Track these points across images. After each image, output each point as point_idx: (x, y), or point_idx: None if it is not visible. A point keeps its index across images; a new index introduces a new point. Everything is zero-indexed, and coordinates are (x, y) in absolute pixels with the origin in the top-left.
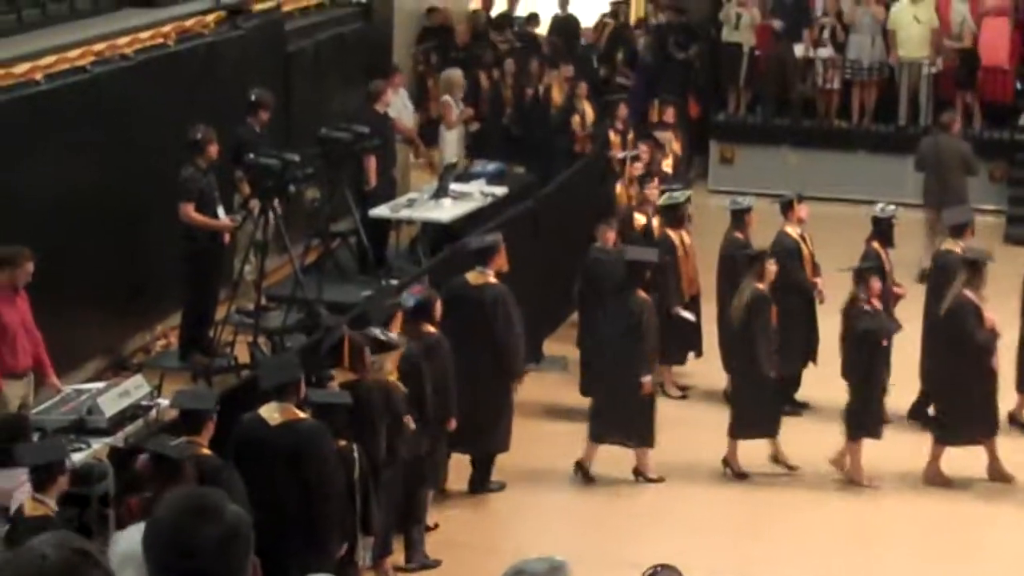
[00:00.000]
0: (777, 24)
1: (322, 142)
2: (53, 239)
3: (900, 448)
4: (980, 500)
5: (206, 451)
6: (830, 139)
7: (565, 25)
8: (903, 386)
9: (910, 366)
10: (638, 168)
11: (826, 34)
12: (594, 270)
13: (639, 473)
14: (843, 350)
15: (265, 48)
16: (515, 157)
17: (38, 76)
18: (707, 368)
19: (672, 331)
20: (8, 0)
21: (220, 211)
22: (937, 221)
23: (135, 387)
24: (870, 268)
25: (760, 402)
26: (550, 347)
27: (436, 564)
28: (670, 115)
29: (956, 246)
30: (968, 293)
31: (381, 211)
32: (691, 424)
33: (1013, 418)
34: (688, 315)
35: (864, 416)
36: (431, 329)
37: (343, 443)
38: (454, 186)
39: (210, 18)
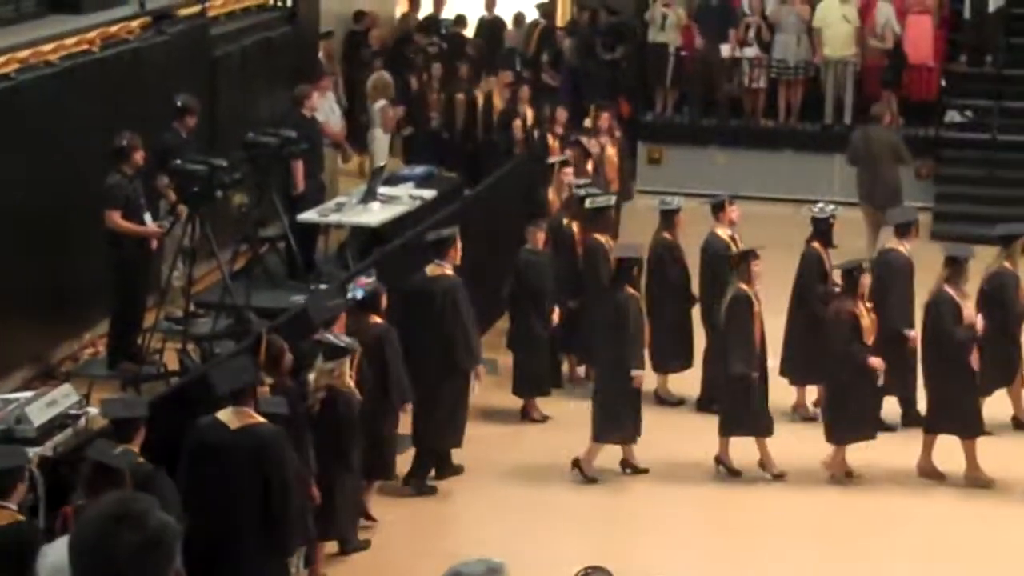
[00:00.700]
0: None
1: (249, 147)
2: None
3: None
4: (989, 498)
5: (138, 459)
6: (757, 138)
7: (492, 28)
8: None
9: None
10: (568, 173)
11: (751, 34)
12: (525, 272)
13: (627, 464)
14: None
15: (191, 53)
16: (446, 161)
17: None
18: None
19: None
20: None
21: (147, 218)
22: (873, 214)
23: (63, 396)
24: (860, 268)
25: (743, 401)
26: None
27: (366, 546)
28: (605, 120)
29: (901, 245)
30: (948, 289)
31: (309, 216)
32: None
33: None
34: None
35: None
36: (377, 320)
37: None
38: (382, 190)
39: (135, 24)
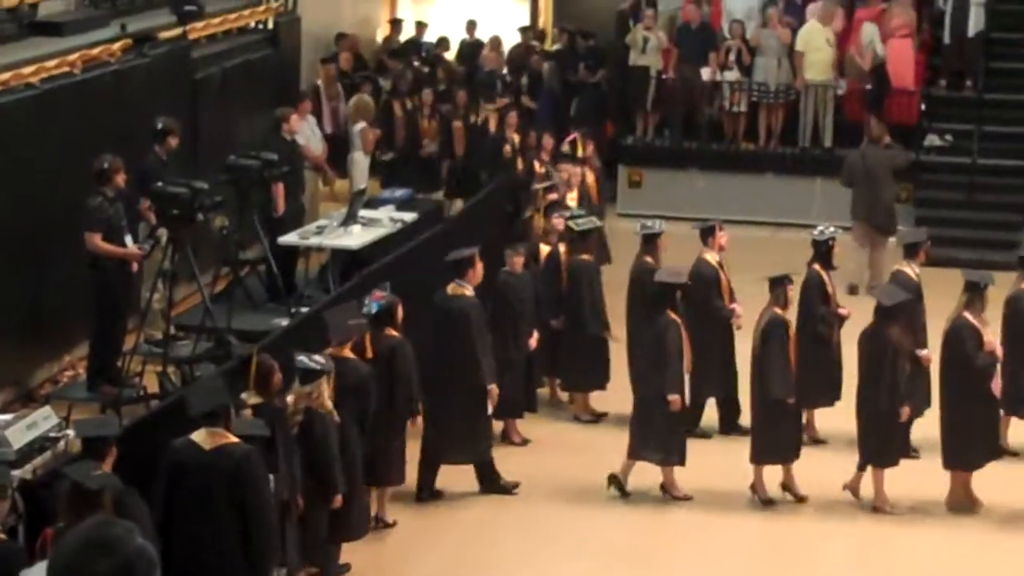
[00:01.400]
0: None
1: (230, 170)
2: None
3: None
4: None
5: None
6: (737, 162)
7: (472, 51)
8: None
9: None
10: (552, 198)
11: (732, 57)
12: (503, 295)
13: (665, 490)
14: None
15: (172, 76)
16: (432, 186)
17: None
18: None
19: (592, 356)
20: None
21: (128, 240)
22: (867, 234)
23: (43, 418)
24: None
25: (778, 428)
26: None
27: (346, 570)
28: (590, 149)
29: (908, 267)
30: (967, 315)
31: (290, 239)
32: (600, 448)
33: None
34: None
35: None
36: (393, 333)
37: None
38: (363, 212)
39: (116, 46)
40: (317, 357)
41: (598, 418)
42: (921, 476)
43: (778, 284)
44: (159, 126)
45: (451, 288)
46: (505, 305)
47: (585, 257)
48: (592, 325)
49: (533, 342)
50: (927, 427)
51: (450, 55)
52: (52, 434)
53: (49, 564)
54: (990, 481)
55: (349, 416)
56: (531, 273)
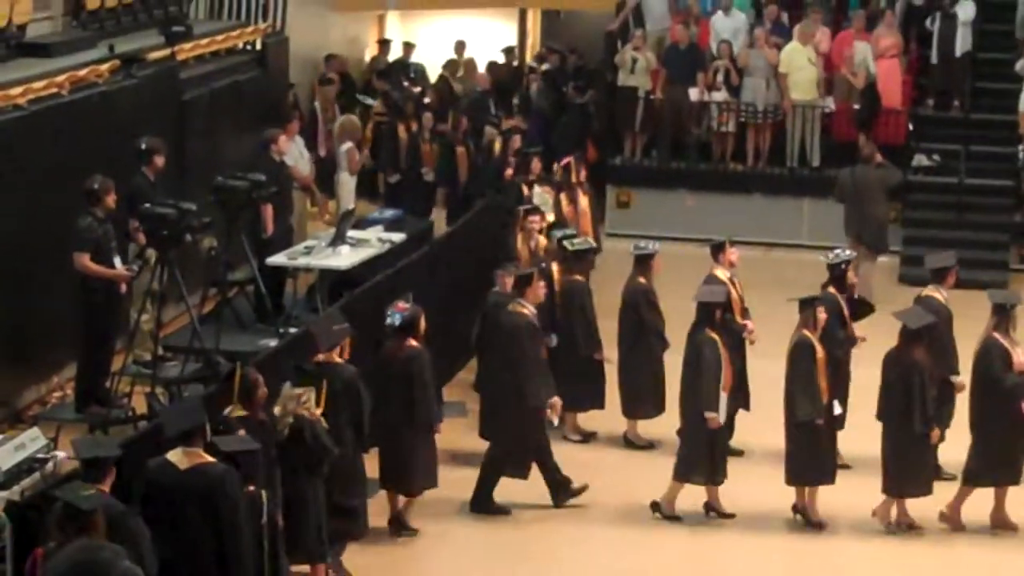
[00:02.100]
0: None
1: (218, 190)
2: None
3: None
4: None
5: (108, 500)
6: (726, 182)
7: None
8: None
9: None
10: (535, 221)
11: (720, 77)
12: (492, 315)
13: (711, 508)
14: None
15: (160, 97)
16: (450, 214)
17: None
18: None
19: (586, 377)
20: None
21: (117, 261)
22: (856, 250)
23: (31, 440)
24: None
25: (810, 450)
26: (449, 392)
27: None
28: (583, 174)
29: (937, 292)
30: (997, 336)
31: (278, 259)
32: (593, 467)
33: None
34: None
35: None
36: (414, 343)
37: (251, 488)
38: (351, 233)
39: (104, 67)
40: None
41: (587, 438)
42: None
43: (807, 306)
44: (143, 146)
45: (512, 306)
46: (494, 327)
47: (578, 278)
48: (585, 346)
49: None
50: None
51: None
52: (40, 455)
53: None
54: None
55: (342, 420)
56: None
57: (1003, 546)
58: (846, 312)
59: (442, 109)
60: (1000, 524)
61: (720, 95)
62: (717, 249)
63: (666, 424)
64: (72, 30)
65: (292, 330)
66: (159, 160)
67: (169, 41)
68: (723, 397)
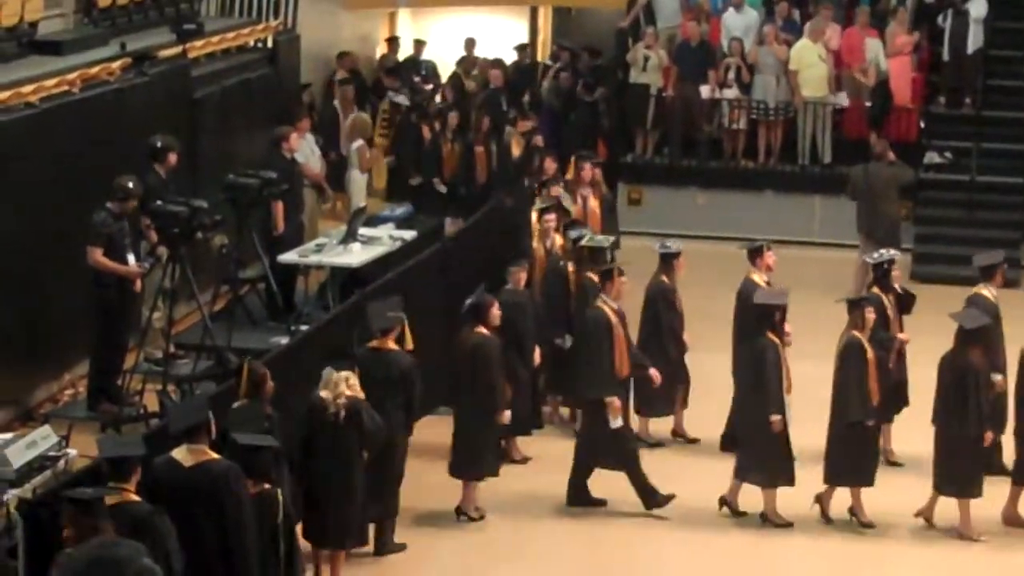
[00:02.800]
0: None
1: (229, 188)
2: None
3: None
4: None
5: (134, 497)
6: (737, 179)
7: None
8: None
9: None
10: (550, 220)
11: (731, 75)
12: (505, 312)
13: (766, 518)
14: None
15: (171, 94)
16: (458, 211)
17: None
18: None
19: None
20: None
21: (130, 258)
22: (867, 247)
23: (42, 438)
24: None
25: (854, 450)
26: None
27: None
28: (588, 172)
29: (986, 289)
30: None
31: (290, 257)
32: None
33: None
34: None
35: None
36: (483, 330)
37: (267, 486)
38: (363, 230)
39: (116, 65)
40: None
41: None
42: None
43: (856, 307)
44: (158, 144)
45: (597, 302)
46: (509, 323)
47: (592, 275)
48: None
49: (537, 358)
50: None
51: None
52: (52, 453)
53: None
54: None
55: (393, 405)
56: (530, 291)
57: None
58: (890, 312)
59: (455, 107)
60: (1014, 522)
61: (731, 92)
62: (755, 253)
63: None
64: (83, 28)
65: (303, 327)
66: (173, 158)
67: (180, 39)
68: (787, 399)
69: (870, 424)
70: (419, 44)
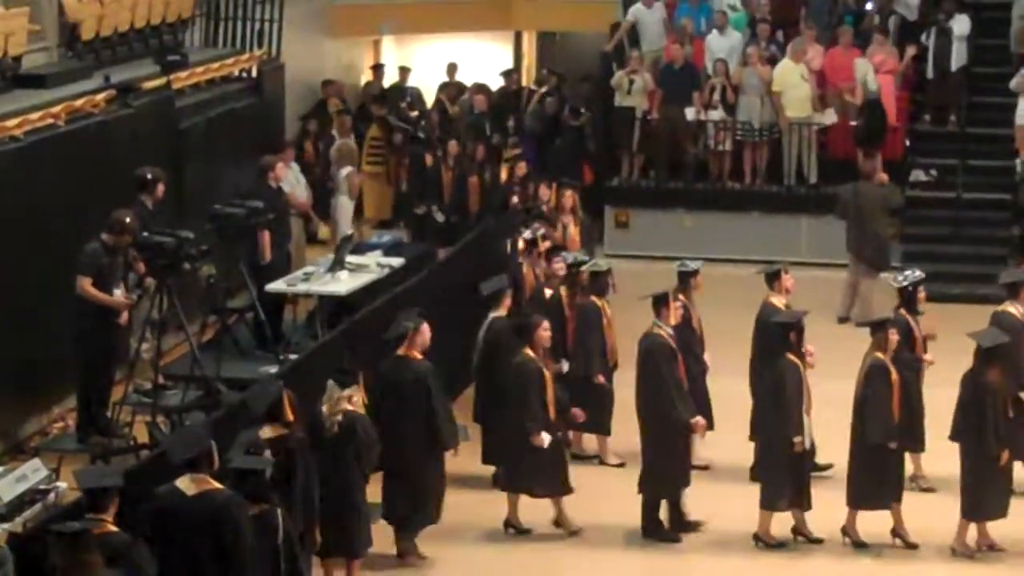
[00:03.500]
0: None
1: (216, 218)
2: None
3: None
4: None
5: (112, 528)
6: (724, 201)
7: (457, 94)
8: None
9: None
10: (545, 247)
11: (716, 96)
12: (492, 339)
13: (798, 532)
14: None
15: (157, 126)
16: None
17: None
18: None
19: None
20: None
21: (117, 292)
22: (857, 267)
23: (32, 471)
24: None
25: (877, 472)
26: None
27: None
28: (569, 199)
29: (1013, 306)
30: None
31: (277, 286)
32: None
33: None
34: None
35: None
36: (529, 353)
37: (266, 506)
38: (350, 258)
39: (100, 97)
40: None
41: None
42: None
43: (879, 328)
44: (148, 176)
45: (652, 327)
46: (494, 351)
47: (593, 299)
48: (599, 368)
49: None
50: None
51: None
52: (42, 486)
53: None
54: None
55: (412, 415)
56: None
57: None
58: (916, 334)
59: (441, 133)
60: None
61: (716, 114)
62: (772, 276)
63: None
64: (67, 61)
65: (292, 356)
66: (160, 189)
67: (165, 70)
68: (807, 421)
69: (893, 447)
70: (404, 71)
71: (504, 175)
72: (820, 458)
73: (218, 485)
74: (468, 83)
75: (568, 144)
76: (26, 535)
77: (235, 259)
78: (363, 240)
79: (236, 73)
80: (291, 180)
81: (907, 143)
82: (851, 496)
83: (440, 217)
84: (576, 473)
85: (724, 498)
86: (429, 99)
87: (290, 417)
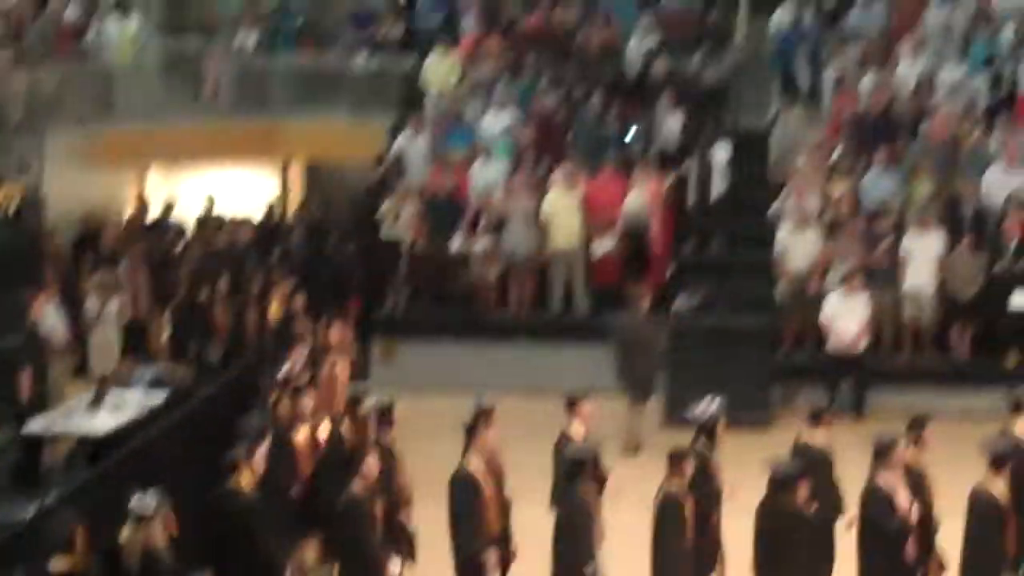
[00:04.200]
0: None
1: None
2: None
3: None
4: None
5: None
6: (491, 330)
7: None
8: None
9: None
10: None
11: (481, 226)
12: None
13: None
14: None
15: None
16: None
17: None
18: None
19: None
20: None
21: None
22: (628, 395)
23: None
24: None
25: None
26: None
27: None
28: (337, 333)
29: (812, 435)
30: (882, 477)
31: (36, 425)
32: None
33: None
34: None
35: None
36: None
37: None
38: (111, 396)
39: None
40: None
41: None
42: None
43: (676, 459)
44: None
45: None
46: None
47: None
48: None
49: None
50: None
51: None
52: None
53: None
54: None
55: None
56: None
57: None
58: (714, 466)
59: (205, 265)
60: None
61: (482, 243)
62: (572, 405)
63: None
64: None
65: (50, 497)
66: None
67: None
68: (598, 552)
69: None
70: (168, 203)
71: (273, 309)
72: None
73: None
74: (236, 214)
75: (334, 276)
76: None
77: None
78: (126, 375)
79: None
80: (51, 317)
81: (672, 270)
82: None
83: (212, 353)
84: None
85: None
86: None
87: (81, 548)
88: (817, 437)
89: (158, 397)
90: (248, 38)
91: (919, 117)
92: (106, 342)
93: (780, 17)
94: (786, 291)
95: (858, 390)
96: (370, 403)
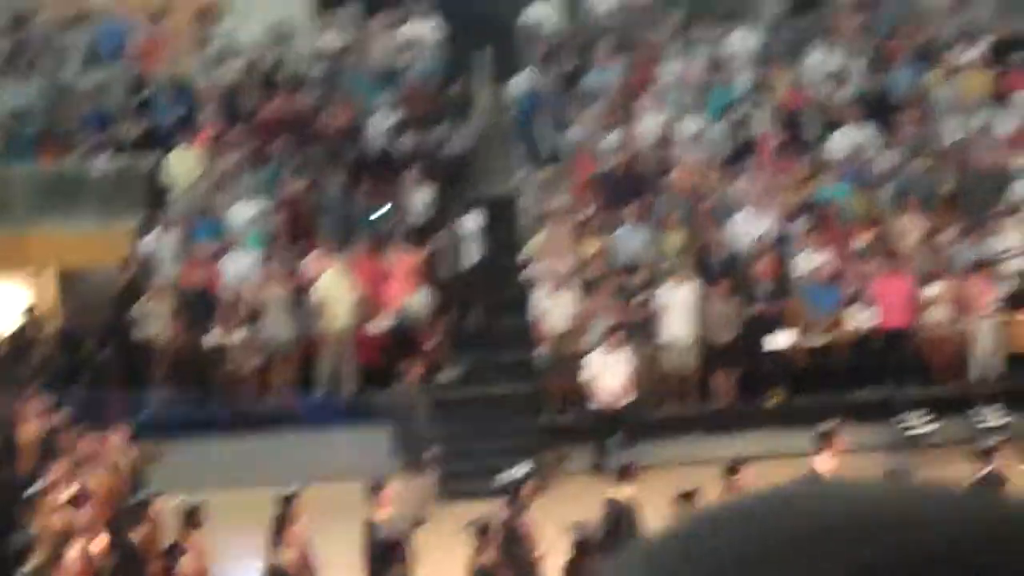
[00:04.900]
0: None
1: None
2: None
3: None
4: None
5: None
6: (255, 422)
7: None
8: None
9: None
10: (64, 494)
11: (238, 317)
12: None
13: None
14: None
15: None
16: None
17: None
18: None
19: None
20: None
21: None
22: (404, 472)
23: None
24: None
25: None
26: None
27: None
28: (108, 443)
29: (619, 490)
30: None
31: None
32: None
33: None
34: None
35: None
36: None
37: None
38: None
39: None
40: None
41: None
42: None
43: (482, 531)
44: None
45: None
46: None
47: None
48: None
49: None
50: None
51: None
52: None
53: None
54: None
55: None
56: None
57: None
58: (525, 530)
59: None
60: None
61: (240, 334)
62: (376, 489)
63: None
64: None
65: None
66: None
67: None
68: None
69: None
70: None
71: (32, 426)
72: None
73: None
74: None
75: (92, 383)
76: None
77: None
78: None
79: None
80: None
81: (438, 341)
82: None
83: None
84: None
85: None
86: None
87: None
88: (622, 491)
89: None
90: None
91: (663, 170)
92: None
93: (520, 83)
94: (547, 354)
95: (626, 444)
96: (174, 504)
